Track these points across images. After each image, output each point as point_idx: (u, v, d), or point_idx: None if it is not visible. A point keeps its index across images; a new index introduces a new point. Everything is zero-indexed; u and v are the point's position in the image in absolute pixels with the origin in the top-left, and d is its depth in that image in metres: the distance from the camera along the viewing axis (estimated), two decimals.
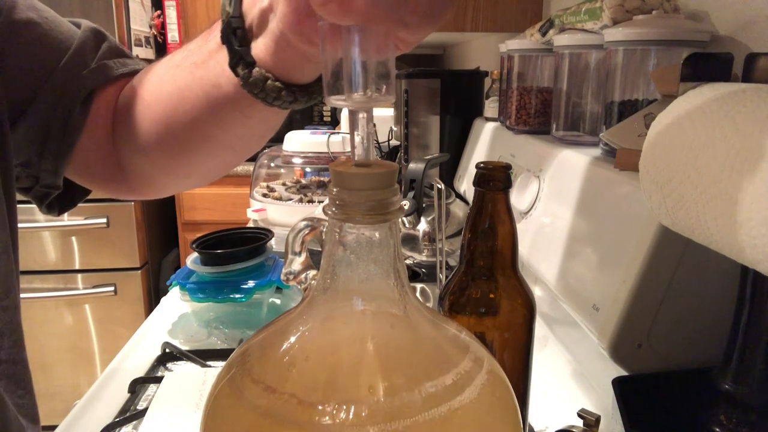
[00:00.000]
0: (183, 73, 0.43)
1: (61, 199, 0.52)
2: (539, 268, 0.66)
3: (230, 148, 0.48)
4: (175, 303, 0.90)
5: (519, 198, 0.74)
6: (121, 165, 0.51)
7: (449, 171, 1.23)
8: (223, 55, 0.38)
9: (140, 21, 2.15)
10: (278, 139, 1.37)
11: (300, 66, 0.37)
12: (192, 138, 0.45)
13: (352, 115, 0.26)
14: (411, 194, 0.78)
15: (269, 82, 0.37)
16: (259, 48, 0.37)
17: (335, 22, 0.26)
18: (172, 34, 2.31)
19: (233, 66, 0.37)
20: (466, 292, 0.44)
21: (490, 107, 1.11)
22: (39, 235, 1.97)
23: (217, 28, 0.39)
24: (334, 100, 0.27)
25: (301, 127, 1.71)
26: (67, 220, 1.95)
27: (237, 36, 0.37)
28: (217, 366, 0.74)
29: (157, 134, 0.46)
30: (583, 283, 0.55)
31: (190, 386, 0.66)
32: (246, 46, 0.37)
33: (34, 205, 0.51)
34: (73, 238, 1.99)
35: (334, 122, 2.34)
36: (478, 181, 0.42)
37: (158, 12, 2.29)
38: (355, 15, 0.25)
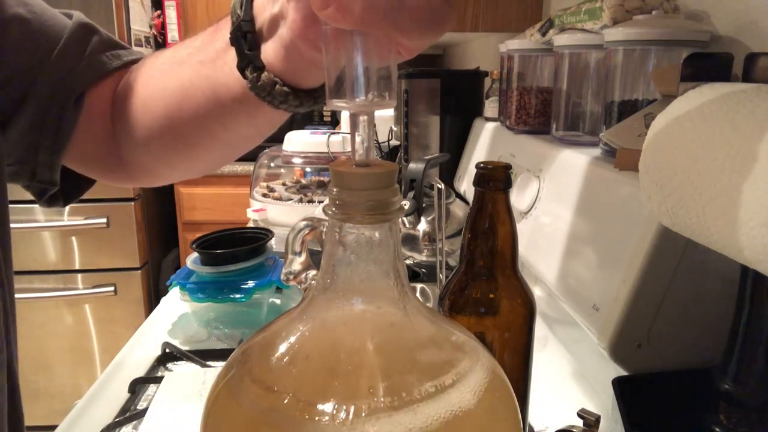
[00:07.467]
0: (188, 70, 0.43)
1: (65, 189, 0.52)
2: (539, 268, 0.66)
3: (232, 143, 0.48)
4: (175, 303, 0.90)
5: (519, 198, 0.74)
6: (120, 155, 0.51)
7: (449, 171, 1.23)
8: (231, 56, 0.38)
9: (140, 21, 2.15)
10: (278, 139, 1.37)
11: (308, 72, 0.38)
12: (195, 134, 0.45)
13: (354, 118, 0.27)
14: (411, 194, 0.78)
15: (277, 86, 0.37)
16: (269, 53, 0.37)
17: (335, 25, 0.26)
18: (172, 34, 2.31)
19: (242, 69, 0.38)
20: (466, 292, 0.44)
21: (490, 107, 1.11)
22: (39, 235, 1.97)
23: (224, 27, 0.39)
24: (336, 104, 0.27)
25: (301, 127, 1.71)
26: (67, 220, 1.95)
27: (247, 40, 0.37)
28: (217, 366, 0.74)
29: (159, 129, 0.46)
30: (583, 283, 0.55)
31: (190, 386, 0.66)
32: (256, 50, 0.37)
33: (33, 205, 0.51)
34: (73, 238, 1.99)
35: (334, 122, 2.34)
36: (478, 181, 0.42)
37: (158, 12, 2.29)
38: (353, 19, 0.25)
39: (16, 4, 0.45)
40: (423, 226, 0.90)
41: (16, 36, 0.45)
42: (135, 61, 0.50)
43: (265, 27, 0.37)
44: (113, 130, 0.50)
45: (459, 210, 0.96)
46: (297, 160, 1.38)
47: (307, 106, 0.40)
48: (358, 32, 0.26)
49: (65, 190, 0.52)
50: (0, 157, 0.45)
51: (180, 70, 0.44)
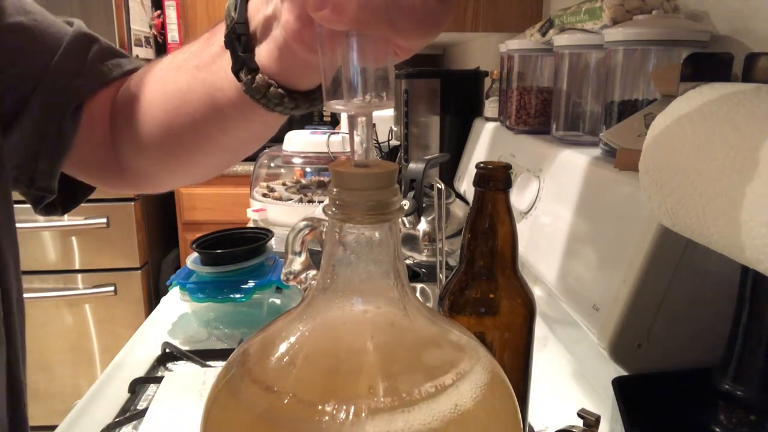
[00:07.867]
0: (185, 76, 0.43)
1: (64, 198, 0.52)
2: (539, 268, 0.66)
3: (230, 148, 0.48)
4: (175, 303, 0.90)
5: (519, 198, 0.74)
6: (120, 161, 0.51)
7: (449, 171, 1.23)
8: (226, 60, 0.38)
9: (140, 21, 2.15)
10: (278, 139, 1.37)
11: (303, 74, 0.37)
12: (193, 139, 0.45)
13: (352, 119, 0.27)
14: (411, 194, 0.78)
15: (272, 88, 0.37)
16: (263, 55, 0.37)
17: (331, 27, 0.26)
18: (172, 34, 2.31)
19: (236, 71, 0.38)
20: (466, 292, 0.44)
21: (490, 107, 1.11)
22: (39, 235, 1.97)
23: (219, 31, 0.39)
24: (333, 105, 0.27)
25: (301, 127, 1.71)
26: (67, 220, 1.95)
27: (241, 42, 0.37)
28: (217, 366, 0.74)
29: (158, 134, 0.46)
30: (583, 283, 0.55)
31: (190, 386, 0.66)
32: (250, 53, 0.37)
33: None
34: (73, 238, 1.99)
35: (334, 122, 2.34)
36: (478, 181, 0.42)
37: (158, 12, 2.29)
38: (349, 20, 0.25)
39: (16, 12, 0.45)
40: (423, 226, 0.90)
41: (16, 44, 0.45)
42: (135, 70, 0.50)
43: (259, 29, 0.37)
44: (113, 137, 0.50)
45: (459, 210, 0.96)
46: (297, 160, 1.38)
47: (303, 109, 0.39)
48: (354, 33, 0.26)
49: (64, 197, 0.52)
50: (4, 160, 0.45)
51: (177, 75, 0.44)
